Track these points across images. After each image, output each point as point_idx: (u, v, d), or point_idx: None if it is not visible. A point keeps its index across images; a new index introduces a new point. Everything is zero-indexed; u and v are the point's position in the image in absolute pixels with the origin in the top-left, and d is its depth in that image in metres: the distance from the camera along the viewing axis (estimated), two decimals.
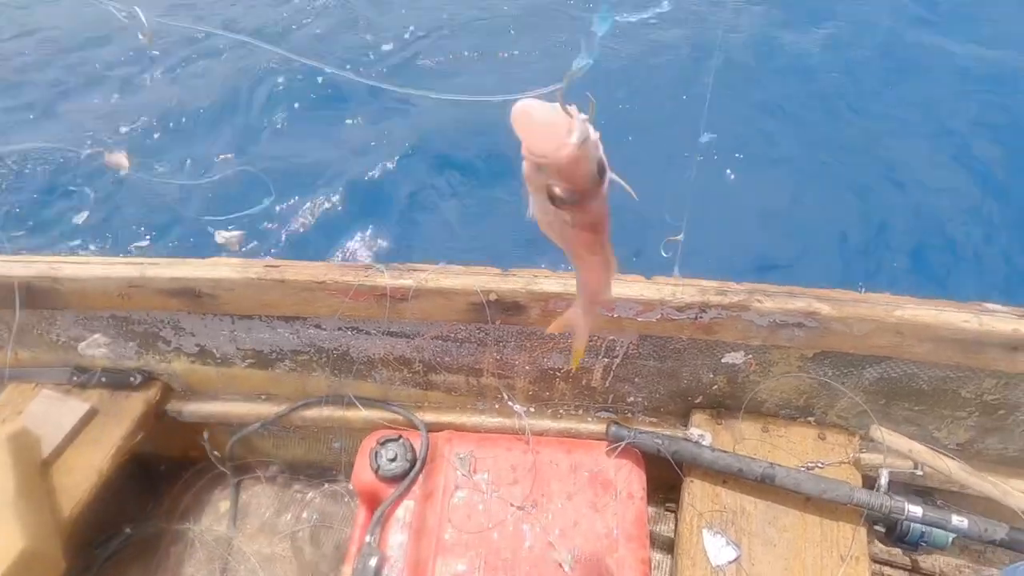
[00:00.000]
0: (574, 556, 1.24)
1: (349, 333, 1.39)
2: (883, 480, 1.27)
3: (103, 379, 1.49)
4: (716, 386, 1.40)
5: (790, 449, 1.36)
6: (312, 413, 1.54)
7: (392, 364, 1.46)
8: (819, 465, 1.33)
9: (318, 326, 1.37)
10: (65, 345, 1.46)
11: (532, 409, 1.52)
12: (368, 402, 1.52)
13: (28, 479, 1.26)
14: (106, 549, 1.62)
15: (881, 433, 1.24)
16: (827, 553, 1.23)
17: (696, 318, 1.21)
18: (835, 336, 1.19)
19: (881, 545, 1.49)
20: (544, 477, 1.36)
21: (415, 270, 1.25)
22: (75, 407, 1.44)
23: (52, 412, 1.43)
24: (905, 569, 1.56)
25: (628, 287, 1.21)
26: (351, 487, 1.79)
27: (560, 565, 1.23)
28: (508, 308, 1.24)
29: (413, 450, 1.43)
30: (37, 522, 1.21)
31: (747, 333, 1.22)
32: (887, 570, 1.54)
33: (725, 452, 1.31)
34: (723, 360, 1.34)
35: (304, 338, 1.41)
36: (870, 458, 1.35)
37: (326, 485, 1.78)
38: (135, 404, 1.48)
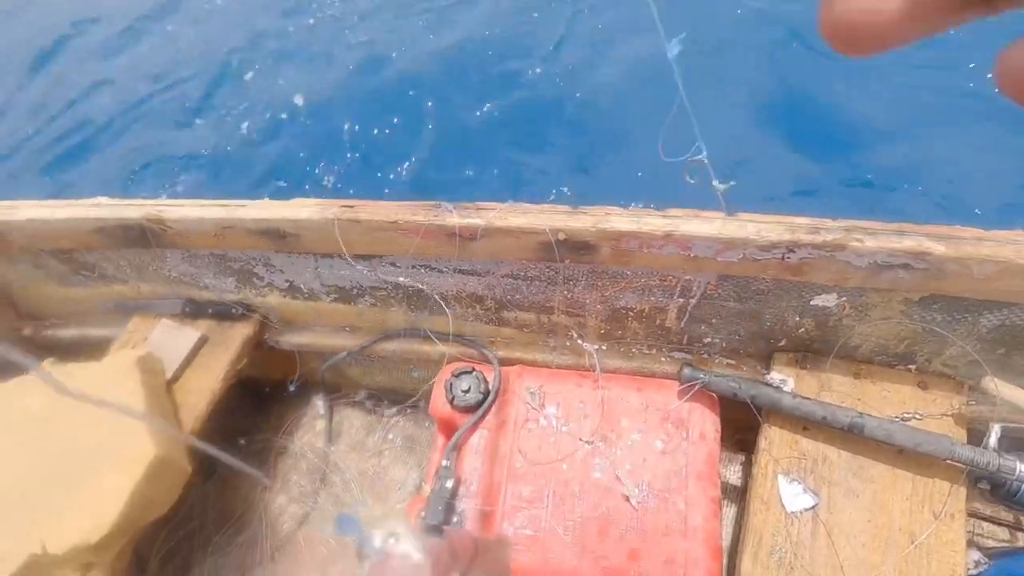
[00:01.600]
0: (642, 491, 1.26)
1: (422, 271, 1.42)
2: (993, 436, 1.16)
3: (210, 311, 1.65)
4: (803, 329, 1.31)
5: (884, 398, 1.27)
6: (392, 345, 1.63)
7: (464, 301, 1.49)
8: (916, 416, 1.23)
9: (393, 264, 1.42)
10: (176, 280, 1.62)
11: (603, 348, 1.51)
12: (443, 336, 1.57)
13: (157, 396, 1.45)
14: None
15: (995, 385, 1.12)
16: (918, 508, 1.16)
17: (783, 258, 1.11)
18: (949, 279, 1.05)
19: (983, 502, 1.39)
20: (613, 414, 1.36)
21: (484, 209, 1.23)
22: (189, 335, 1.61)
23: (171, 339, 1.62)
24: (1007, 525, 1.45)
25: (706, 224, 1.13)
26: (429, 414, 1.92)
27: (627, 499, 1.25)
28: (578, 247, 1.21)
29: (486, 382, 1.48)
30: (166, 432, 1.39)
31: (842, 275, 1.11)
32: (986, 526, 1.44)
33: (808, 399, 1.24)
34: (812, 302, 1.24)
35: (381, 275, 1.46)
36: (978, 411, 1.23)
37: (408, 410, 1.91)
38: (238, 333, 1.64)
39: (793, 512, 1.18)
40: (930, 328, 1.18)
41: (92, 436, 1.33)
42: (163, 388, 1.52)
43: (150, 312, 1.69)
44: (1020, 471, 1.08)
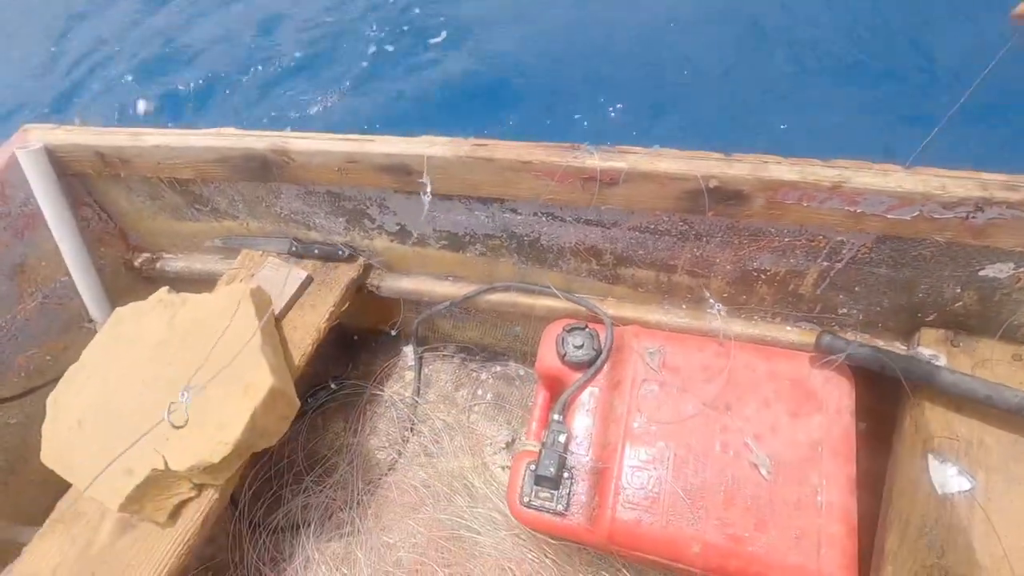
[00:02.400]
0: (772, 460, 1.19)
1: (544, 219, 1.37)
2: None
3: (316, 251, 1.64)
4: (960, 302, 1.21)
5: None
6: (496, 298, 1.59)
7: (581, 255, 1.43)
8: None
9: (514, 210, 1.37)
10: (287, 218, 1.62)
11: (724, 312, 1.43)
12: (555, 291, 1.52)
13: (269, 329, 1.46)
14: (317, 399, 1.87)
15: None
16: None
17: (968, 217, 1.01)
18: None
19: None
20: (739, 381, 1.29)
21: (628, 152, 1.17)
22: (296, 274, 1.62)
23: (278, 277, 1.62)
24: None
25: (881, 177, 1.04)
26: (522, 372, 1.88)
27: (756, 467, 1.19)
28: (729, 197, 1.13)
29: (599, 340, 1.43)
30: (279, 365, 1.40)
31: None
32: None
33: (970, 375, 1.14)
34: (980, 272, 1.14)
35: (499, 222, 1.42)
36: None
37: (499, 368, 1.88)
38: (342, 275, 1.63)
39: (947, 494, 1.09)
40: None
41: (209, 362, 1.34)
42: (272, 322, 1.52)
43: (257, 248, 1.70)
44: None
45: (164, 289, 1.53)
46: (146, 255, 1.83)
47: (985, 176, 1.00)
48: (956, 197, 0.99)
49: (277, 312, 1.57)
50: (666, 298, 1.47)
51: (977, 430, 1.15)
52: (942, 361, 1.20)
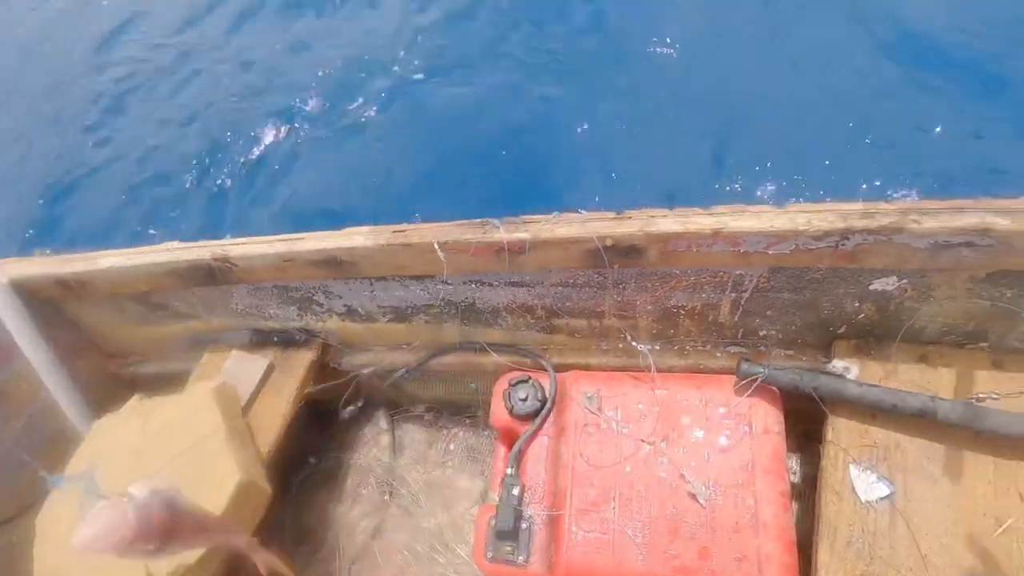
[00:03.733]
0: (709, 488, 1.26)
1: (473, 286, 1.47)
2: None
3: (275, 339, 1.74)
4: (863, 314, 1.29)
5: (956, 380, 1.23)
6: (448, 359, 1.68)
7: (516, 312, 1.52)
8: (992, 396, 1.18)
9: (445, 282, 1.47)
10: (243, 312, 1.72)
11: (657, 347, 1.51)
12: (497, 347, 1.61)
13: (235, 423, 1.54)
14: (299, 476, 1.95)
15: None
16: (1003, 491, 1.12)
17: (837, 246, 1.10)
18: (1016, 253, 1.02)
19: None
20: (673, 413, 1.37)
21: (529, 222, 1.27)
22: (259, 363, 1.71)
23: (242, 369, 1.71)
24: None
25: (755, 219, 1.13)
26: (490, 422, 1.96)
27: (694, 496, 1.26)
28: (626, 252, 1.22)
29: (543, 390, 1.51)
30: (246, 457, 1.48)
31: (901, 258, 1.09)
32: None
33: (875, 386, 1.22)
34: (871, 287, 1.22)
35: (434, 293, 1.51)
36: None
37: (468, 420, 1.96)
38: (303, 358, 1.72)
39: (868, 501, 1.16)
40: (999, 304, 1.14)
41: (181, 463, 1.43)
42: (239, 415, 1.61)
43: (221, 344, 1.80)
44: None
45: (136, 397, 1.63)
46: (120, 362, 1.93)
47: (844, 207, 1.09)
48: (822, 231, 1.08)
49: (244, 403, 1.66)
50: (601, 341, 1.55)
51: (892, 436, 1.22)
52: (854, 372, 1.28)
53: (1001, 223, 0.99)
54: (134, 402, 1.62)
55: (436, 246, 1.27)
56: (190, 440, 1.46)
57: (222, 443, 1.45)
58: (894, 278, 1.17)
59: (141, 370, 1.93)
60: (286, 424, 1.63)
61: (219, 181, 3.81)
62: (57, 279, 1.62)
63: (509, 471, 1.43)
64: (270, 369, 1.71)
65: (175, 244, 1.56)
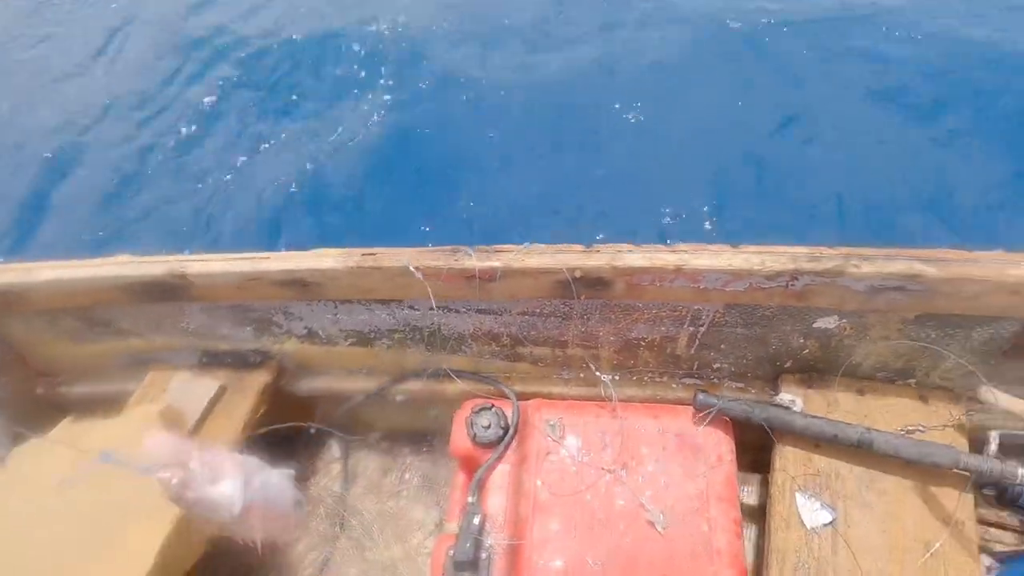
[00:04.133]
0: (666, 516, 1.30)
1: (440, 312, 1.47)
2: (993, 444, 1.23)
3: (227, 360, 1.67)
4: (807, 351, 1.38)
5: (888, 413, 1.33)
6: (409, 386, 1.66)
7: (481, 339, 1.54)
8: (920, 429, 1.29)
9: (412, 307, 1.47)
10: (194, 332, 1.65)
11: (617, 378, 1.56)
12: (460, 374, 1.61)
13: None
14: None
15: (993, 394, 1.19)
16: (930, 517, 1.22)
17: (787, 286, 1.19)
18: (941, 298, 1.14)
19: (989, 508, 1.45)
20: (632, 442, 1.41)
21: (501, 251, 1.30)
22: (208, 385, 1.63)
23: (189, 391, 1.63)
24: (1014, 530, 1.50)
25: (714, 258, 1.21)
26: (447, 451, 1.94)
27: (652, 524, 1.29)
28: (593, 284, 1.27)
29: (505, 417, 1.52)
30: None
31: (842, 298, 1.19)
32: (993, 531, 1.49)
33: (818, 417, 1.30)
34: (815, 325, 1.32)
35: (399, 318, 1.51)
36: (978, 420, 1.30)
37: (424, 449, 1.93)
38: (255, 382, 1.66)
39: (813, 528, 1.23)
40: (926, 344, 1.26)
41: (115, 495, 1.33)
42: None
43: (166, 364, 1.70)
44: (1022, 476, 1.14)
45: (68, 420, 1.52)
46: (50, 381, 1.80)
47: (795, 250, 1.18)
48: (774, 271, 1.17)
49: (190, 428, 1.57)
50: (564, 370, 1.59)
51: (834, 464, 1.30)
52: (799, 404, 1.36)
53: (928, 271, 1.10)
54: (65, 425, 1.51)
55: (412, 270, 1.28)
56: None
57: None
58: (835, 317, 1.28)
59: (73, 391, 1.79)
60: (236, 451, 1.56)
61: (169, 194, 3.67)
62: None
63: (470, 499, 1.42)
64: (220, 392, 1.64)
65: (126, 257, 1.48)
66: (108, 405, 1.75)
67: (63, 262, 1.52)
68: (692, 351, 1.46)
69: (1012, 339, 1.21)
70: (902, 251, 1.15)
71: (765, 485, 1.37)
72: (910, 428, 1.29)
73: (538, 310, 1.42)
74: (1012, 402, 1.19)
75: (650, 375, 1.55)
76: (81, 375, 1.81)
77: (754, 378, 1.49)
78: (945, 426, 1.29)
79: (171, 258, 1.45)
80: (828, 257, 1.15)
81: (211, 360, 1.67)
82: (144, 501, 1.31)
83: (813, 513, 1.24)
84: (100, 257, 1.51)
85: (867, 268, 1.12)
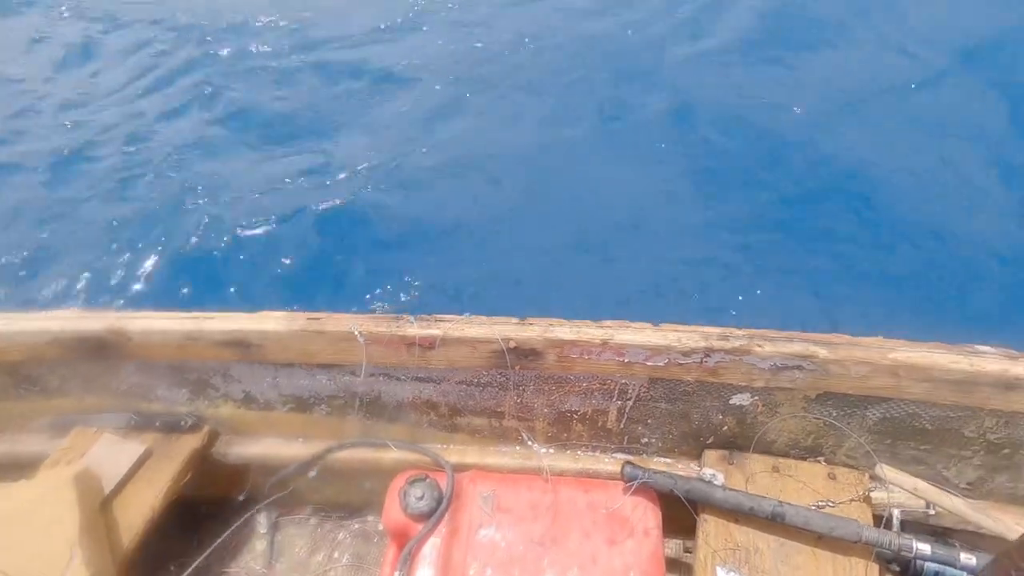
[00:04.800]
0: None
1: (381, 379, 1.51)
2: (894, 519, 1.31)
3: (157, 423, 1.63)
4: (726, 427, 1.47)
5: (801, 488, 1.41)
6: (345, 455, 1.65)
7: (420, 408, 1.57)
8: (829, 504, 1.37)
9: (352, 373, 1.50)
10: (125, 392, 1.61)
11: (551, 450, 1.60)
12: (397, 444, 1.62)
13: (91, 517, 1.39)
14: None
15: (884, 471, 1.29)
16: None
17: (701, 362, 1.30)
18: (834, 378, 1.26)
19: None
20: (563, 515, 1.43)
21: (441, 320, 1.37)
22: (132, 449, 1.58)
23: (112, 454, 1.57)
24: None
25: (637, 333, 1.31)
26: (380, 527, 1.88)
27: None
28: (527, 354, 1.35)
29: (440, 489, 1.51)
30: (99, 558, 1.32)
31: (751, 375, 1.30)
32: None
33: (736, 491, 1.37)
34: (731, 401, 1.42)
35: (340, 384, 1.53)
36: (880, 497, 1.39)
37: (357, 525, 1.86)
38: (185, 446, 1.61)
39: None
40: (829, 422, 1.38)
41: (18, 561, 1.25)
42: (97, 508, 1.45)
43: (91, 425, 1.64)
44: (917, 549, 1.22)
45: None
46: None
47: (707, 330, 1.31)
48: (688, 347, 1.28)
49: (108, 492, 1.50)
50: (500, 442, 1.62)
51: (752, 537, 1.35)
52: (720, 479, 1.43)
53: (820, 352, 1.23)
54: None
55: (356, 334, 1.33)
56: (35, 533, 1.29)
57: (73, 538, 1.29)
58: (748, 394, 1.38)
59: None
60: (152, 521, 1.49)
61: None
62: None
63: (397, 574, 1.38)
64: (145, 456, 1.58)
65: (63, 312, 1.48)
66: (23, 469, 1.65)
67: None
68: (622, 425, 1.53)
69: (903, 419, 1.34)
70: (800, 334, 1.29)
71: (692, 555, 1.40)
72: (821, 503, 1.37)
73: (476, 379, 1.48)
74: (903, 479, 1.29)
75: (583, 448, 1.60)
76: None
77: (680, 453, 1.56)
78: (852, 501, 1.37)
79: (111, 313, 1.46)
80: (736, 337, 1.28)
81: (143, 421, 1.62)
82: (49, 571, 1.23)
83: None
84: (36, 311, 1.50)
85: (769, 348, 1.25)
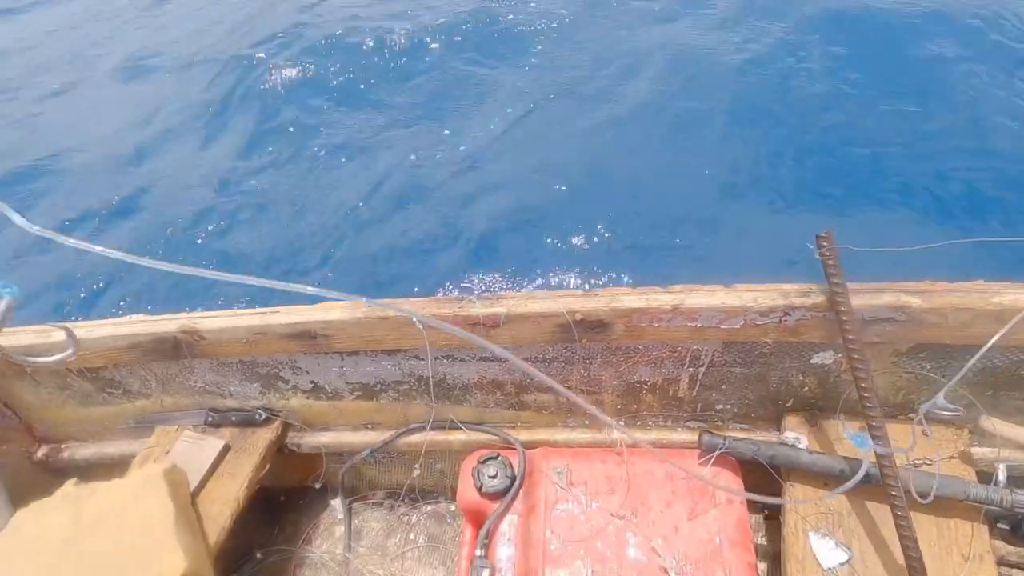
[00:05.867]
0: (679, 562, 1.27)
1: (445, 361, 1.50)
2: (1001, 475, 1.23)
3: (233, 418, 1.68)
4: (807, 388, 1.40)
5: (894, 447, 1.33)
6: (415, 439, 1.66)
7: (486, 388, 1.56)
8: (927, 462, 1.29)
9: (417, 357, 1.50)
10: (201, 390, 1.66)
11: (622, 422, 1.57)
12: (466, 425, 1.62)
13: (183, 508, 1.44)
14: (242, 573, 1.79)
15: (992, 424, 1.21)
16: (947, 552, 1.20)
17: (780, 321, 1.23)
18: (930, 329, 1.18)
19: (1007, 545, 1.42)
20: (640, 487, 1.40)
21: (503, 298, 1.35)
22: (213, 444, 1.63)
23: (194, 450, 1.63)
24: None
25: (709, 296, 1.26)
26: (453, 508, 1.90)
27: (666, 570, 1.26)
28: (593, 326, 1.31)
29: (512, 467, 1.51)
30: (194, 546, 1.37)
31: (834, 332, 1.23)
32: (1016, 572, 1.45)
33: (824, 454, 1.31)
34: (812, 361, 1.35)
35: (405, 369, 1.53)
36: (983, 452, 1.30)
37: (430, 507, 1.89)
38: (261, 439, 1.66)
39: (830, 568, 1.20)
40: (923, 375, 1.29)
41: (118, 554, 1.31)
42: (188, 500, 1.51)
43: (172, 424, 1.71)
44: None
45: (71, 482, 1.50)
46: (50, 446, 1.79)
47: (785, 287, 1.24)
48: (766, 307, 1.21)
49: (194, 487, 1.56)
50: (569, 417, 1.59)
51: (845, 501, 1.29)
52: (803, 443, 1.37)
53: (913, 301, 1.15)
54: (67, 487, 1.49)
55: (415, 320, 1.32)
56: (132, 527, 1.35)
57: (169, 529, 1.35)
58: (831, 352, 1.31)
59: (77, 455, 1.78)
60: (238, 511, 1.54)
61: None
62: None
63: (478, 553, 1.39)
64: (225, 450, 1.63)
65: (139, 316, 1.53)
66: (112, 468, 1.74)
67: (79, 323, 1.56)
68: (694, 393, 1.48)
69: (1006, 368, 1.24)
70: (889, 284, 1.20)
71: (776, 526, 1.35)
72: (917, 462, 1.29)
73: (541, 355, 1.45)
74: (1011, 430, 1.20)
75: (654, 419, 1.56)
76: (86, 439, 1.80)
77: (758, 419, 1.50)
78: (951, 458, 1.29)
79: (183, 315, 1.50)
80: (817, 292, 1.20)
81: (217, 419, 1.67)
82: (148, 560, 1.29)
83: (829, 553, 1.22)
84: (111, 318, 1.56)
85: (855, 301, 1.17)
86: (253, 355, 1.54)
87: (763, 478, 1.37)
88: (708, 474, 1.38)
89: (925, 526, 1.23)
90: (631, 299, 1.28)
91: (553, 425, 1.61)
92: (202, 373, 1.62)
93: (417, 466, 1.80)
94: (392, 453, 1.75)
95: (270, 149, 4.48)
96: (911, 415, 1.38)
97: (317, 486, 1.81)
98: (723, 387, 1.45)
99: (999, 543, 1.40)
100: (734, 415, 1.51)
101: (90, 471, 1.72)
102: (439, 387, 1.57)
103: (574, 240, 3.41)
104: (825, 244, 1.17)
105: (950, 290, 1.15)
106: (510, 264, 3.30)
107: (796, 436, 1.38)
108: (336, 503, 1.91)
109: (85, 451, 1.78)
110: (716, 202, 3.51)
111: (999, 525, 1.25)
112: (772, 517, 1.43)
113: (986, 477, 1.24)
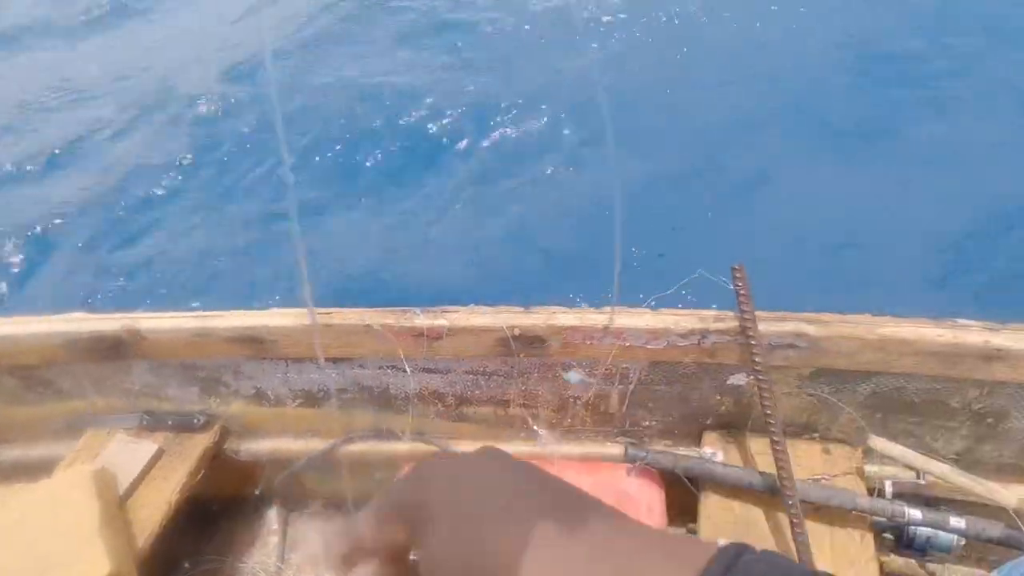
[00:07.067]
0: None
1: (388, 371, 1.55)
2: (887, 489, 1.37)
3: (169, 422, 1.66)
4: (724, 407, 1.53)
5: (797, 464, 1.46)
6: (355, 448, 1.69)
7: (427, 399, 1.61)
8: (825, 478, 1.43)
9: (361, 366, 1.54)
10: (137, 393, 1.65)
11: (556, 436, 1.65)
12: (407, 435, 1.66)
13: (111, 511, 1.42)
14: None
15: (876, 442, 1.35)
16: (838, 559, 1.32)
17: (699, 343, 1.35)
18: (826, 355, 1.32)
19: (894, 557, 1.56)
20: None
21: (448, 311, 1.42)
22: (146, 448, 1.61)
23: (126, 454, 1.60)
24: None
25: (636, 318, 1.37)
26: None
27: None
28: (531, 342, 1.40)
29: None
30: (118, 551, 1.35)
31: (746, 355, 1.36)
32: None
33: (734, 467, 1.42)
34: (728, 382, 1.47)
35: (348, 378, 1.57)
36: (873, 470, 1.45)
37: None
38: (197, 444, 1.65)
39: None
40: (823, 398, 1.43)
41: (41, 555, 1.28)
42: (116, 503, 1.48)
43: (104, 427, 1.67)
44: (909, 515, 1.28)
45: None
46: None
47: (703, 312, 1.36)
48: (686, 329, 1.33)
49: (123, 491, 1.53)
50: (506, 430, 1.66)
51: (752, 511, 1.41)
52: (719, 457, 1.48)
53: (810, 329, 1.29)
54: None
55: (363, 327, 1.37)
56: (56, 529, 1.33)
57: (95, 531, 1.33)
58: (744, 374, 1.44)
59: (1, 456, 1.71)
60: (169, 517, 1.52)
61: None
62: None
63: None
64: (158, 455, 1.61)
65: (78, 314, 1.51)
66: (37, 471, 1.68)
67: (10, 318, 1.53)
68: (624, 409, 1.58)
69: (892, 393, 1.40)
70: (792, 314, 1.34)
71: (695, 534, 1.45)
72: (816, 477, 1.43)
73: (482, 369, 1.52)
74: (892, 448, 1.35)
75: (587, 434, 1.65)
76: (12, 441, 1.74)
77: (680, 436, 1.61)
78: (846, 474, 1.43)
79: (123, 314, 1.49)
80: (730, 318, 1.33)
81: (154, 421, 1.66)
82: (71, 563, 1.26)
83: None
84: (47, 315, 1.53)
85: (762, 327, 1.30)
86: (194, 358, 1.55)
87: (685, 492, 1.47)
88: (632, 485, 1.48)
89: (820, 535, 1.36)
90: (567, 317, 1.38)
91: (491, 438, 1.67)
92: (139, 375, 1.60)
93: (357, 476, 1.82)
94: (333, 462, 1.77)
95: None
96: (814, 435, 1.52)
97: (257, 492, 1.80)
98: (650, 404, 1.56)
99: (890, 558, 1.55)
100: (659, 431, 1.62)
101: (14, 474, 1.66)
102: (382, 397, 1.61)
103: None
104: (738, 275, 1.31)
105: (842, 321, 1.30)
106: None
107: (713, 451, 1.50)
108: (273, 513, 1.90)
109: (10, 453, 1.72)
110: None
111: (885, 536, 1.39)
112: (689, 527, 1.53)
113: (874, 492, 1.38)
